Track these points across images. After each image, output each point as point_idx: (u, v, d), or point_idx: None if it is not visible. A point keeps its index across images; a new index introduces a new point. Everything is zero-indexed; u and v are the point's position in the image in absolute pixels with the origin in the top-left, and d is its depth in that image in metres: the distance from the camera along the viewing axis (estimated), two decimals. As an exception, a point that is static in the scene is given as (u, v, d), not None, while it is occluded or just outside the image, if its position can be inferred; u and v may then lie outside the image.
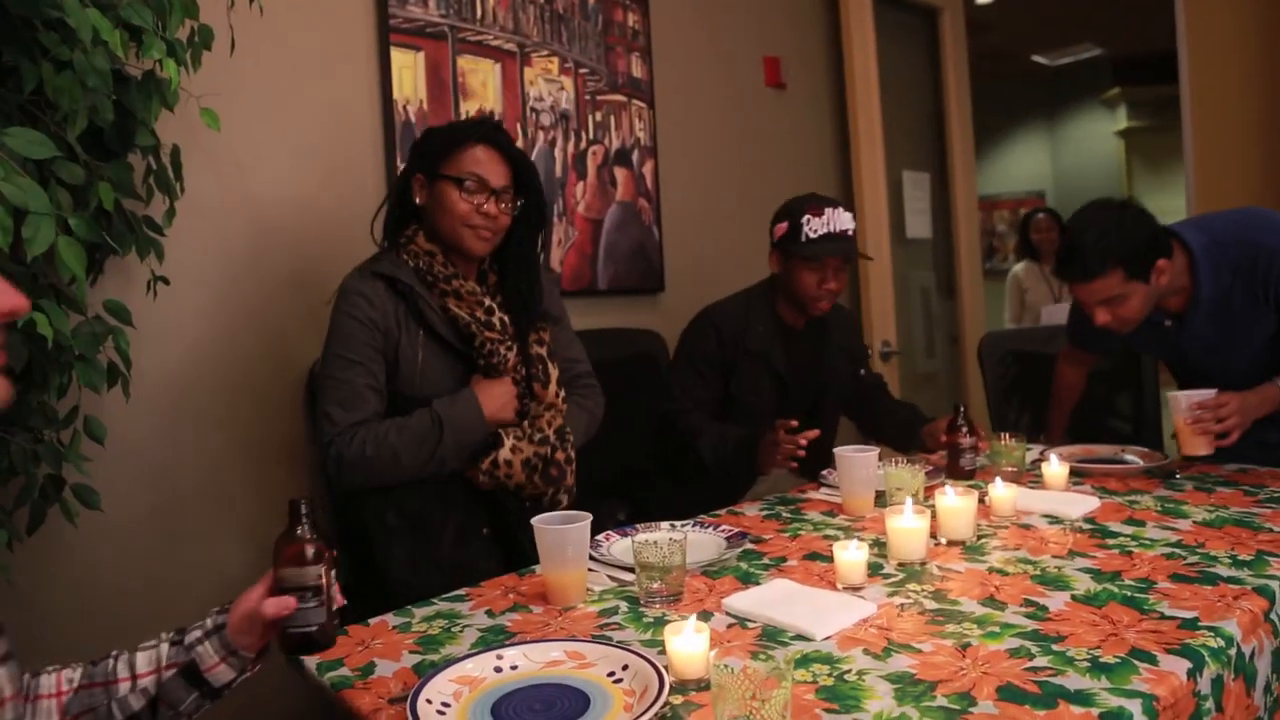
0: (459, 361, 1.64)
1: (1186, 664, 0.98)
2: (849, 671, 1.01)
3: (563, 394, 1.72)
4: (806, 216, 2.05)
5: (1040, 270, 4.20)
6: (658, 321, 2.74)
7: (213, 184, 1.95)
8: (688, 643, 1.01)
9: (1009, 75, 6.60)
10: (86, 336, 1.44)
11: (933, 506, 1.47)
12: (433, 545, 1.62)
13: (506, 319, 1.66)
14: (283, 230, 2.07)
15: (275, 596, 0.95)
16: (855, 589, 1.28)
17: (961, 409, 1.95)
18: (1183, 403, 1.78)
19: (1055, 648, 1.04)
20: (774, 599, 1.23)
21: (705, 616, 1.21)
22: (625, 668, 1.02)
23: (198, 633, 0.97)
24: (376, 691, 1.03)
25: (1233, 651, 1.05)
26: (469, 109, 2.37)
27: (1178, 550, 1.38)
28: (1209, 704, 1.00)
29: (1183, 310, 1.89)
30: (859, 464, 1.70)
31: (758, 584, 1.32)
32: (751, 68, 3.20)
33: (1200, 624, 1.09)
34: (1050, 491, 1.76)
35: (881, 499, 1.72)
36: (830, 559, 1.40)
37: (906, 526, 1.37)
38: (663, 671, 0.98)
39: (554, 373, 1.70)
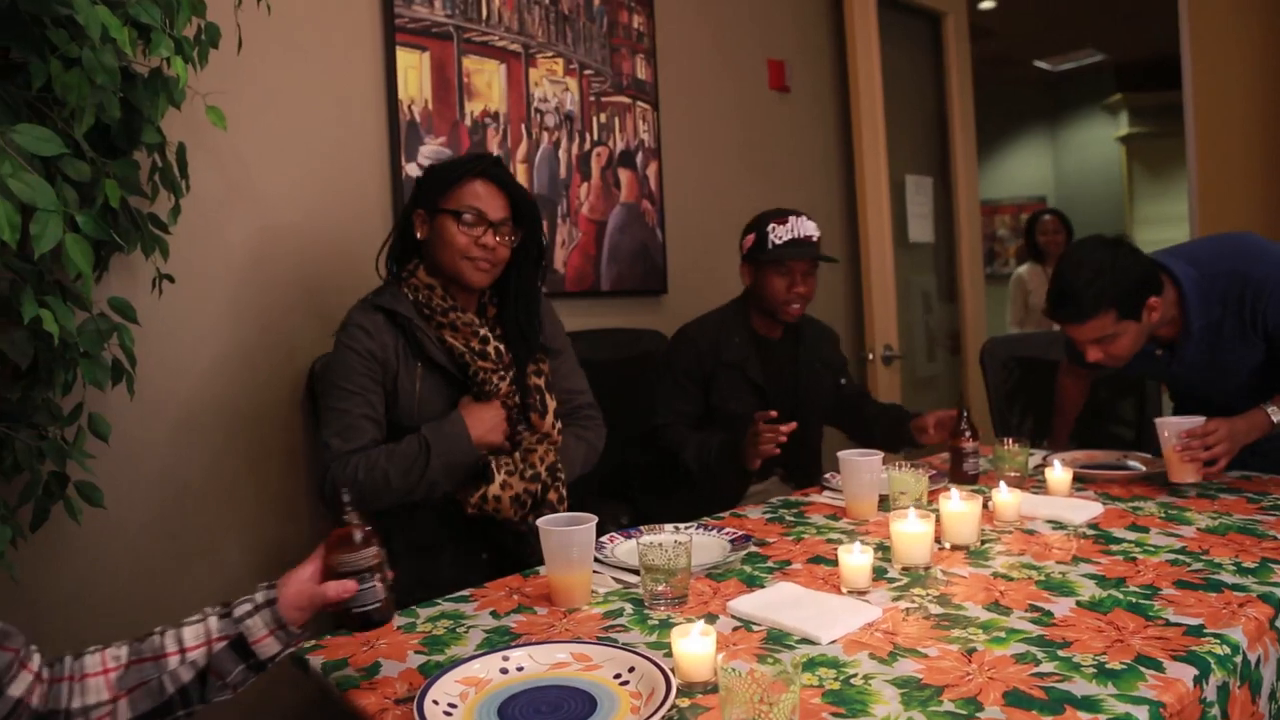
0: (457, 391, 1.66)
1: (1193, 671, 0.98)
2: (855, 675, 1.01)
3: (559, 426, 1.73)
4: (771, 225, 2.11)
5: (1045, 272, 4.16)
6: (660, 323, 2.74)
7: (217, 182, 1.95)
8: (694, 645, 1.01)
9: (1011, 81, 6.61)
10: (91, 334, 1.43)
11: (936, 511, 1.47)
12: (432, 567, 1.63)
13: (503, 348, 1.68)
14: (286, 229, 2.07)
15: (333, 580, 1.00)
16: (860, 593, 1.28)
17: (965, 413, 1.95)
18: (1171, 431, 1.79)
19: (1061, 653, 1.04)
20: (779, 602, 1.23)
21: (710, 619, 1.21)
22: (631, 670, 1.02)
23: (247, 606, 0.99)
24: (382, 692, 1.03)
25: (1238, 659, 1.05)
26: (474, 109, 2.37)
27: (1182, 557, 1.39)
28: (1215, 711, 1.00)
29: (1174, 340, 1.91)
30: (863, 468, 1.70)
31: (762, 587, 1.32)
32: (755, 71, 3.20)
33: (1206, 631, 1.09)
34: (1053, 497, 1.76)
35: (885, 503, 1.72)
36: (834, 563, 1.40)
37: (911, 531, 1.37)
38: (669, 674, 0.98)
39: (551, 404, 1.72)
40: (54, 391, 1.45)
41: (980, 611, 1.19)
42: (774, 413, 1.87)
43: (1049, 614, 1.17)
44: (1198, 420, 1.77)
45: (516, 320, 1.71)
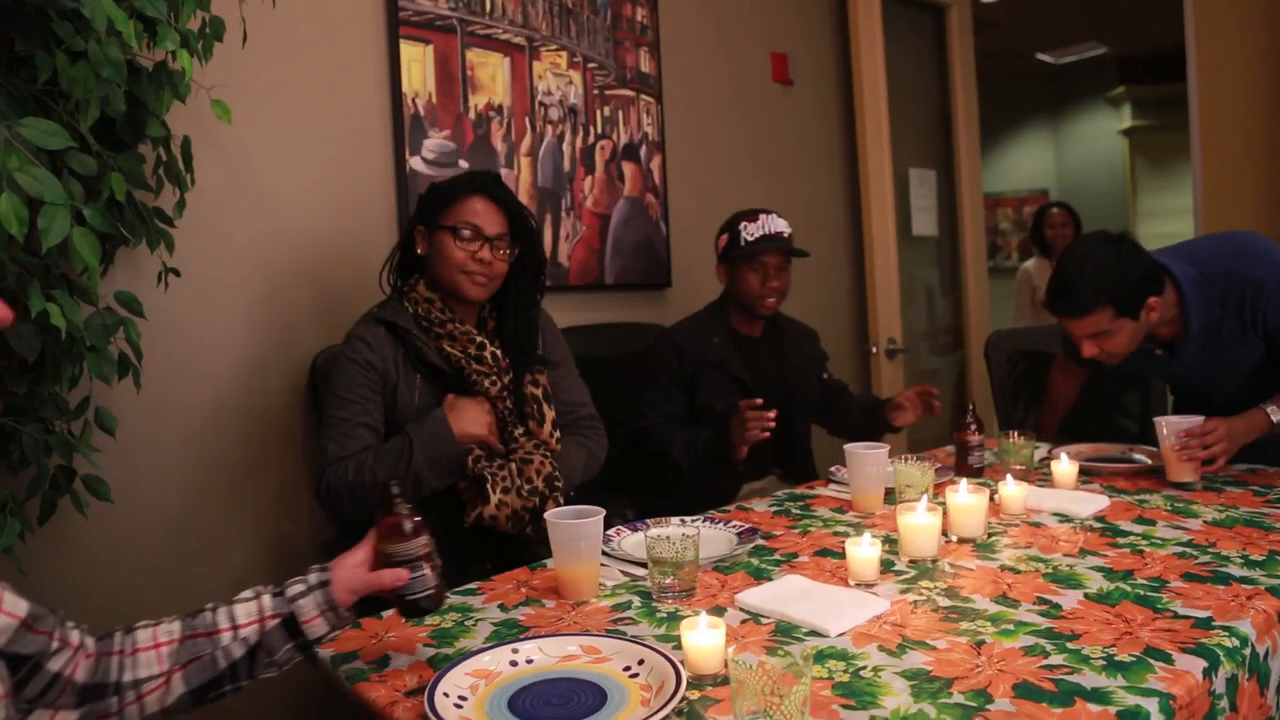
0: (452, 389, 1.67)
1: (1202, 663, 0.98)
2: (864, 668, 1.01)
3: (557, 435, 1.75)
4: (743, 224, 2.18)
5: (1051, 268, 4.13)
6: (664, 316, 2.73)
7: (221, 176, 1.95)
8: (703, 638, 1.01)
9: (1014, 73, 6.59)
10: (98, 328, 1.43)
11: (943, 504, 1.47)
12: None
13: (499, 353, 1.70)
14: (290, 223, 2.07)
15: (387, 568, 1.04)
16: (868, 585, 1.28)
17: (971, 407, 1.95)
18: (1170, 431, 1.78)
19: (1070, 646, 1.04)
20: (787, 595, 1.23)
21: (718, 612, 1.21)
22: (641, 662, 1.02)
23: (300, 586, 1.03)
24: (392, 684, 1.04)
25: (1247, 651, 1.05)
26: (478, 102, 2.37)
27: (1189, 550, 1.39)
28: (1224, 703, 1.00)
29: (1174, 339, 1.91)
30: (869, 460, 1.70)
31: (770, 580, 1.33)
32: (759, 64, 3.19)
33: (1214, 623, 1.09)
34: (1059, 490, 1.76)
35: (891, 496, 1.72)
36: (841, 555, 1.40)
37: (919, 523, 1.37)
38: (679, 666, 0.98)
39: (550, 414, 1.74)
40: (61, 385, 1.45)
41: (988, 604, 1.19)
42: (759, 400, 1.89)
43: (1057, 606, 1.17)
44: (1196, 420, 1.77)
45: (515, 332, 1.75)
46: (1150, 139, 6.51)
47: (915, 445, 3.31)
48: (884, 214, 3.30)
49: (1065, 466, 1.81)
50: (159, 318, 1.77)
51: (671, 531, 1.28)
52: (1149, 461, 1.99)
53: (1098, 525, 1.55)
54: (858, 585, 1.28)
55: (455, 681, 1.00)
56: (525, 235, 1.73)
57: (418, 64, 2.25)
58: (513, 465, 1.65)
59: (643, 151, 2.78)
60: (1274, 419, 1.76)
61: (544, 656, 1.07)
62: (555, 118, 2.55)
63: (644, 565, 1.35)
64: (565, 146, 2.58)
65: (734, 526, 1.58)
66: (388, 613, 1.25)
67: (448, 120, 2.31)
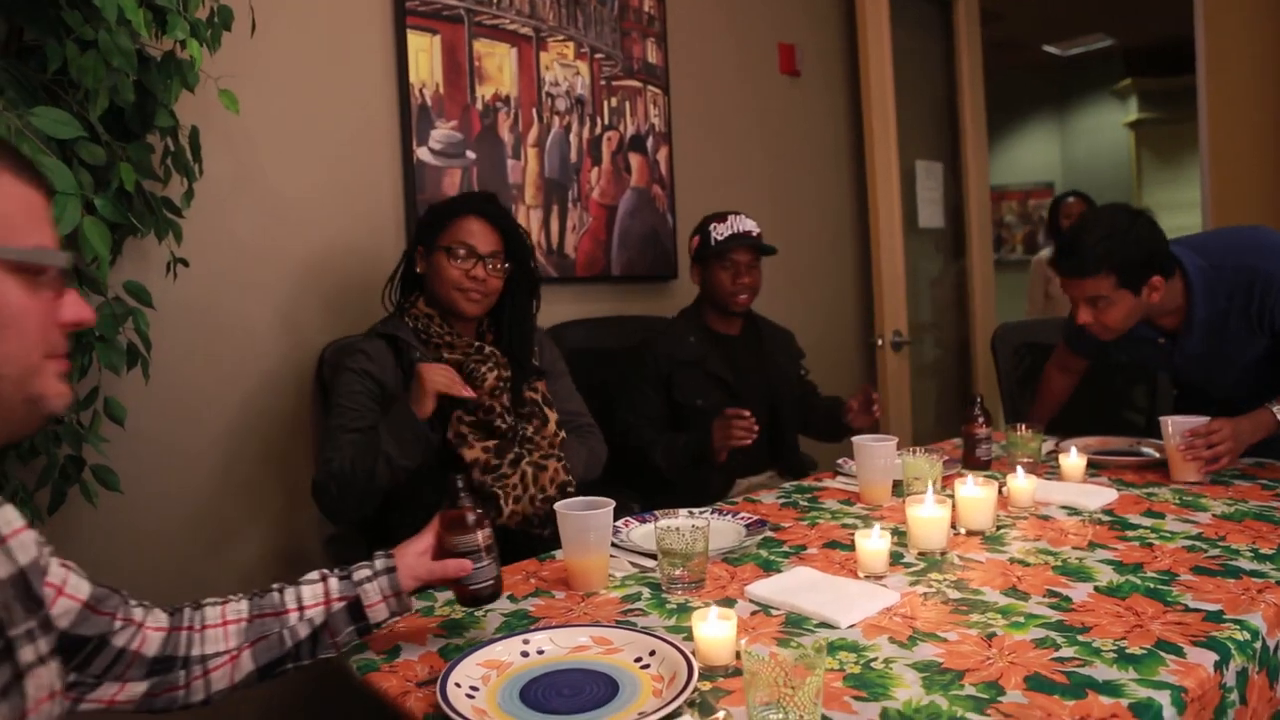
0: (453, 402, 1.70)
1: (1214, 656, 0.98)
2: (876, 660, 1.01)
3: (562, 434, 1.80)
4: (713, 225, 2.24)
5: None
6: (670, 308, 2.72)
7: (229, 165, 1.94)
8: (715, 629, 1.01)
9: (1020, 65, 6.56)
10: (107, 318, 1.44)
11: (951, 496, 1.47)
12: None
13: (498, 351, 1.76)
14: (298, 213, 2.06)
15: (450, 559, 1.09)
16: (877, 578, 1.28)
17: (979, 399, 1.95)
18: (1175, 430, 1.78)
19: (1081, 638, 1.04)
20: (797, 586, 1.23)
21: (728, 603, 1.21)
22: (652, 653, 1.02)
23: (366, 571, 1.06)
24: (403, 675, 1.04)
25: (1258, 645, 1.05)
26: (485, 93, 2.36)
27: (1198, 543, 1.38)
28: (1234, 696, 1.00)
29: (1177, 330, 1.90)
30: (877, 453, 1.70)
31: (779, 571, 1.33)
32: (766, 55, 3.18)
33: (1225, 617, 1.09)
34: (1067, 483, 1.76)
35: (899, 488, 1.72)
36: (850, 547, 1.40)
37: (928, 516, 1.37)
38: (690, 658, 0.98)
39: (552, 416, 1.80)
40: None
41: (998, 596, 1.19)
42: (746, 412, 1.93)
43: (1067, 599, 1.17)
44: (1202, 420, 1.77)
45: (511, 346, 1.80)
46: (1156, 132, 6.48)
47: (922, 438, 3.32)
48: (890, 206, 3.29)
49: (1073, 460, 1.80)
50: (168, 308, 1.77)
51: (681, 523, 1.28)
52: (1157, 455, 1.99)
53: (1106, 518, 1.55)
54: (867, 577, 1.28)
55: (467, 672, 1.00)
56: (519, 252, 1.79)
57: (425, 54, 2.25)
58: (526, 470, 1.69)
59: (649, 143, 2.78)
60: None
61: (555, 647, 1.07)
62: (562, 108, 2.54)
63: (653, 557, 1.35)
64: (572, 137, 2.57)
65: (742, 518, 1.58)
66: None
67: (455, 110, 2.30)
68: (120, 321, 1.46)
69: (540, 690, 0.97)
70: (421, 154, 2.24)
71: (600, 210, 2.65)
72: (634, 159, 2.73)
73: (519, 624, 1.17)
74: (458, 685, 0.96)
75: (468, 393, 1.63)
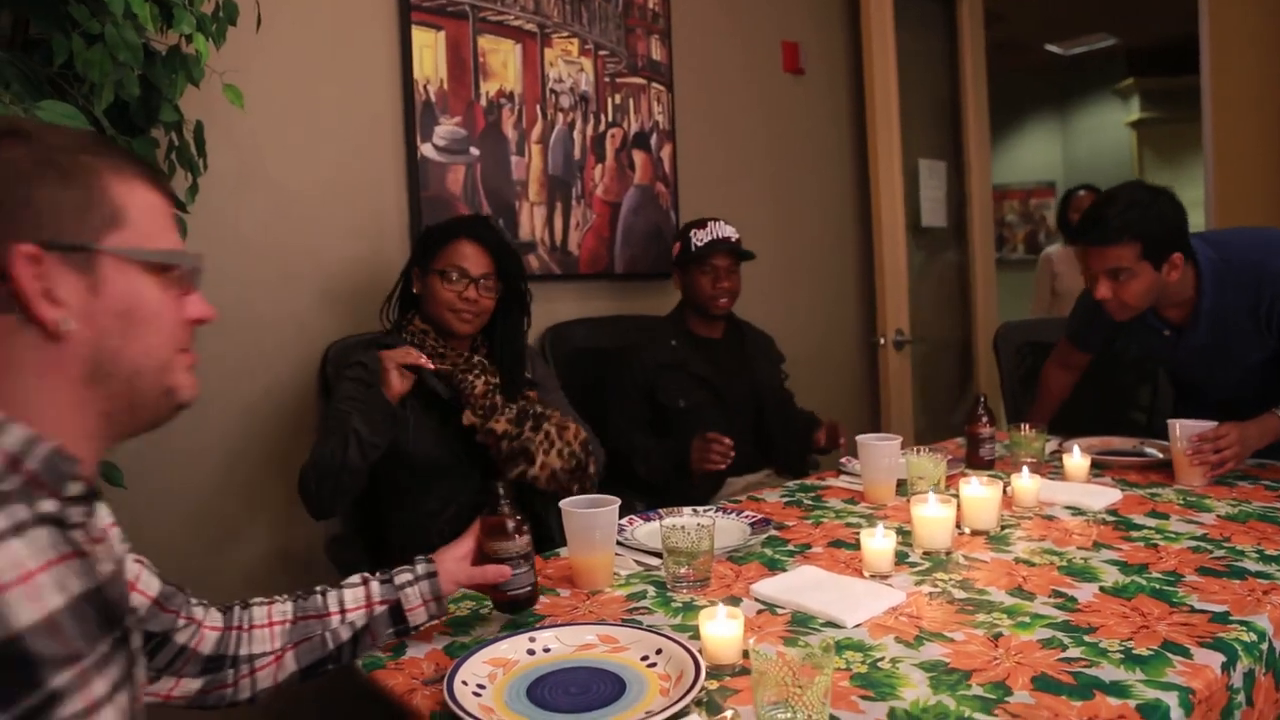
0: (447, 420, 1.75)
1: (1221, 658, 0.98)
2: (882, 659, 1.01)
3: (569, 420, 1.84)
4: (693, 231, 2.30)
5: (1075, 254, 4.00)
6: (672, 306, 2.73)
7: (233, 161, 1.94)
8: (722, 628, 1.01)
9: (1022, 65, 6.55)
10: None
11: (956, 496, 1.46)
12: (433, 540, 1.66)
13: (486, 362, 1.81)
14: (302, 208, 2.06)
15: (489, 564, 1.12)
16: (882, 577, 1.28)
17: (982, 399, 1.95)
18: (1182, 434, 1.77)
19: (1087, 639, 1.04)
20: (802, 585, 1.23)
21: (734, 602, 1.21)
22: (659, 652, 1.02)
23: (408, 576, 1.09)
24: (410, 673, 1.04)
25: (1265, 646, 1.05)
26: (489, 89, 2.36)
27: (1203, 544, 1.38)
28: (1240, 697, 1.00)
29: (1184, 324, 1.89)
30: (881, 452, 1.70)
31: (784, 570, 1.33)
32: (770, 53, 3.18)
33: (1231, 618, 1.09)
34: (1071, 483, 1.76)
35: (903, 487, 1.72)
36: (855, 546, 1.40)
37: (933, 515, 1.37)
38: (697, 656, 0.98)
39: (552, 414, 1.82)
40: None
41: (1004, 596, 1.19)
42: (727, 440, 1.93)
43: (1073, 599, 1.17)
44: (1208, 424, 1.76)
45: (503, 362, 1.83)
46: (1159, 131, 6.47)
47: (923, 437, 3.32)
48: (893, 204, 3.29)
49: (1077, 460, 1.80)
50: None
51: (686, 521, 1.28)
52: (1160, 455, 1.99)
53: (1111, 519, 1.55)
54: (872, 577, 1.28)
55: (473, 670, 1.00)
56: (510, 272, 1.83)
57: (429, 50, 2.24)
58: (549, 429, 1.75)
59: (653, 140, 2.77)
60: None
61: (561, 645, 1.07)
62: (566, 105, 2.54)
63: (658, 555, 1.35)
64: (576, 134, 2.57)
65: (747, 517, 1.58)
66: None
67: (459, 107, 2.30)
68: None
69: (547, 688, 0.97)
70: (425, 150, 2.23)
71: (604, 207, 2.64)
72: (638, 156, 2.73)
73: (524, 622, 1.17)
74: (464, 683, 0.96)
75: (425, 361, 1.67)
